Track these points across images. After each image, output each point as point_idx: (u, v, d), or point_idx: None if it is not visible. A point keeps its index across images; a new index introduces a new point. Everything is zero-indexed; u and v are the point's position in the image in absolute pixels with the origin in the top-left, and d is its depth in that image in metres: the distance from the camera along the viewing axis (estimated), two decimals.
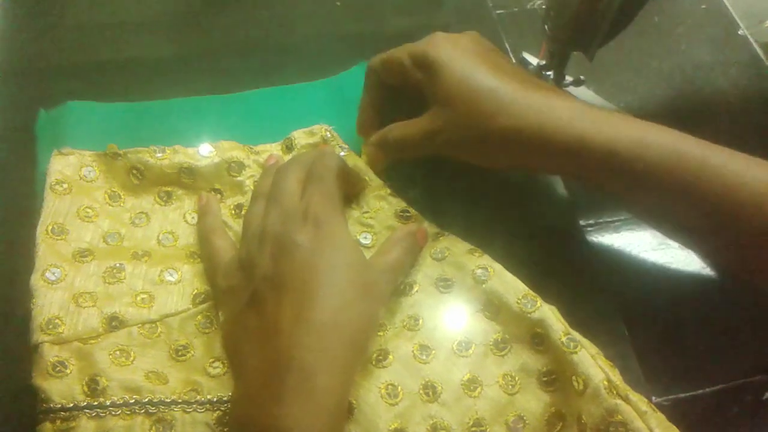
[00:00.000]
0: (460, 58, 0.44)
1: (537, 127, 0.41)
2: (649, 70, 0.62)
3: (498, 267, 0.43)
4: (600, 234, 0.51)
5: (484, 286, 0.43)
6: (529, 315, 0.41)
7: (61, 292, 0.41)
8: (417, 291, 0.44)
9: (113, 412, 0.38)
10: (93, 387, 0.38)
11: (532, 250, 0.47)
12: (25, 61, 0.57)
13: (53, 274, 0.42)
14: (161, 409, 0.39)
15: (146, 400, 0.39)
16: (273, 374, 0.35)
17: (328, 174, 0.42)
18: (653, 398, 0.43)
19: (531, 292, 0.42)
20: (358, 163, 0.49)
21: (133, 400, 0.39)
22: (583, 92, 0.59)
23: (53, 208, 0.45)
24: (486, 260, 0.44)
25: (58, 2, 0.62)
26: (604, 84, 0.60)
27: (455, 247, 0.45)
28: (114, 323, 0.41)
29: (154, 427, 0.38)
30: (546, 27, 0.50)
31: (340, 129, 0.51)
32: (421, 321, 0.43)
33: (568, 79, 0.55)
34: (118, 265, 0.44)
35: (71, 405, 0.38)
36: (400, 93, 0.47)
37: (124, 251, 0.45)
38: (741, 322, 0.47)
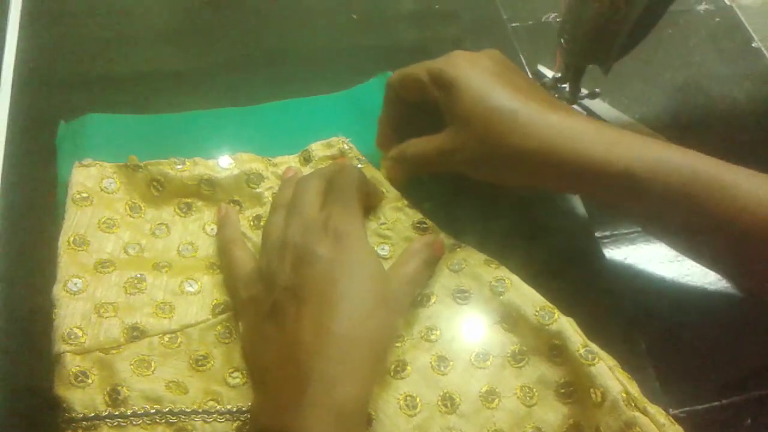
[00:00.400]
0: (478, 77, 0.44)
1: (554, 148, 0.41)
2: (664, 82, 0.63)
3: (515, 279, 0.44)
4: (616, 246, 0.51)
5: (501, 297, 0.43)
6: (546, 327, 0.41)
7: (83, 303, 0.42)
8: (434, 302, 0.44)
9: (134, 422, 0.38)
10: (114, 397, 0.39)
11: (547, 263, 0.48)
12: (39, 74, 0.58)
13: (75, 284, 0.42)
14: (182, 419, 0.39)
15: (167, 410, 0.39)
16: (293, 385, 0.35)
17: (349, 187, 0.43)
18: (670, 410, 0.43)
19: (548, 304, 0.42)
20: (376, 174, 0.50)
21: (154, 410, 0.39)
22: (598, 105, 0.59)
23: (75, 220, 0.46)
24: (503, 272, 0.44)
25: (71, 15, 0.63)
26: (619, 96, 0.60)
27: (472, 258, 0.46)
28: (135, 333, 0.42)
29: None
30: (561, 40, 0.51)
31: (357, 141, 0.52)
32: (438, 332, 0.43)
33: (584, 91, 0.56)
34: (138, 275, 0.44)
35: (93, 415, 0.38)
36: (419, 109, 0.47)
37: (145, 262, 0.45)
38: (756, 334, 0.47)
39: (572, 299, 0.43)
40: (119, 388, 0.39)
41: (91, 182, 0.48)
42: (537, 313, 0.42)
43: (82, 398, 0.39)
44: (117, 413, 0.38)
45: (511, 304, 0.43)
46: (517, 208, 0.50)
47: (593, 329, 0.42)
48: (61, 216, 0.46)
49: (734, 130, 0.60)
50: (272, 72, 0.60)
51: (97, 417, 0.38)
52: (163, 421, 0.39)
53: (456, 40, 0.63)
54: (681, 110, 0.61)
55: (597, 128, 0.42)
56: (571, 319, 0.41)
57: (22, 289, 0.46)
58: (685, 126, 0.60)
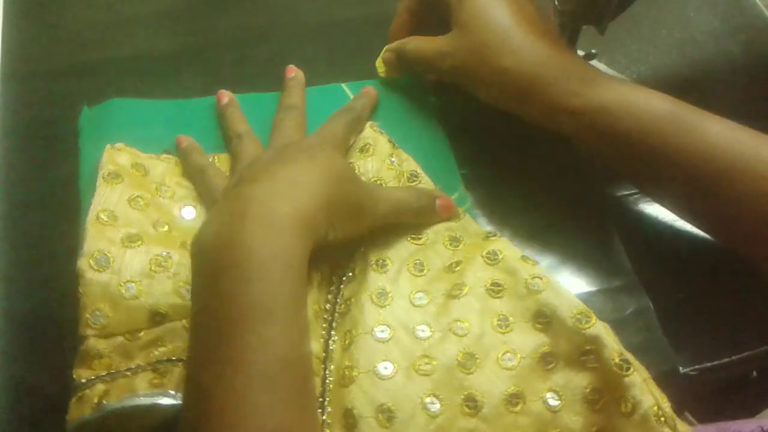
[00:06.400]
0: None
1: (533, 76, 0.44)
2: (660, 40, 0.62)
3: (552, 279, 0.42)
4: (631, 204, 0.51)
5: (537, 296, 0.42)
6: (583, 331, 0.40)
7: (107, 278, 0.41)
8: (467, 293, 0.43)
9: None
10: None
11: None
12: (31, 65, 0.57)
13: (101, 259, 0.41)
14: (165, 365, 0.40)
15: (154, 361, 0.40)
16: (237, 206, 0.37)
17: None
18: (680, 369, 0.43)
19: (586, 308, 0.40)
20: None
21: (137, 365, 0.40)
22: (595, 66, 0.58)
23: (104, 197, 0.45)
24: (539, 270, 0.43)
25: (57, 3, 0.61)
26: (616, 56, 0.60)
27: (508, 251, 0.44)
28: (157, 318, 0.41)
29: (152, 376, 0.39)
30: (556, 2, 0.50)
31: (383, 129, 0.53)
32: (468, 326, 0.42)
33: (580, 53, 0.55)
34: (165, 253, 0.43)
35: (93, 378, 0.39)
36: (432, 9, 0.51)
37: (172, 240, 0.45)
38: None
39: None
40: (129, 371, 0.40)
41: (123, 161, 0.48)
42: (574, 316, 0.40)
43: (90, 375, 0.39)
44: (104, 374, 0.39)
45: (547, 304, 0.41)
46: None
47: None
48: (79, 201, 0.46)
49: (732, 85, 0.60)
50: (270, 49, 0.59)
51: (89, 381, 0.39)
52: (149, 368, 0.40)
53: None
54: (678, 67, 0.61)
55: (577, 65, 0.45)
56: (606, 325, 0.40)
57: (22, 289, 0.45)
58: (683, 83, 0.59)
